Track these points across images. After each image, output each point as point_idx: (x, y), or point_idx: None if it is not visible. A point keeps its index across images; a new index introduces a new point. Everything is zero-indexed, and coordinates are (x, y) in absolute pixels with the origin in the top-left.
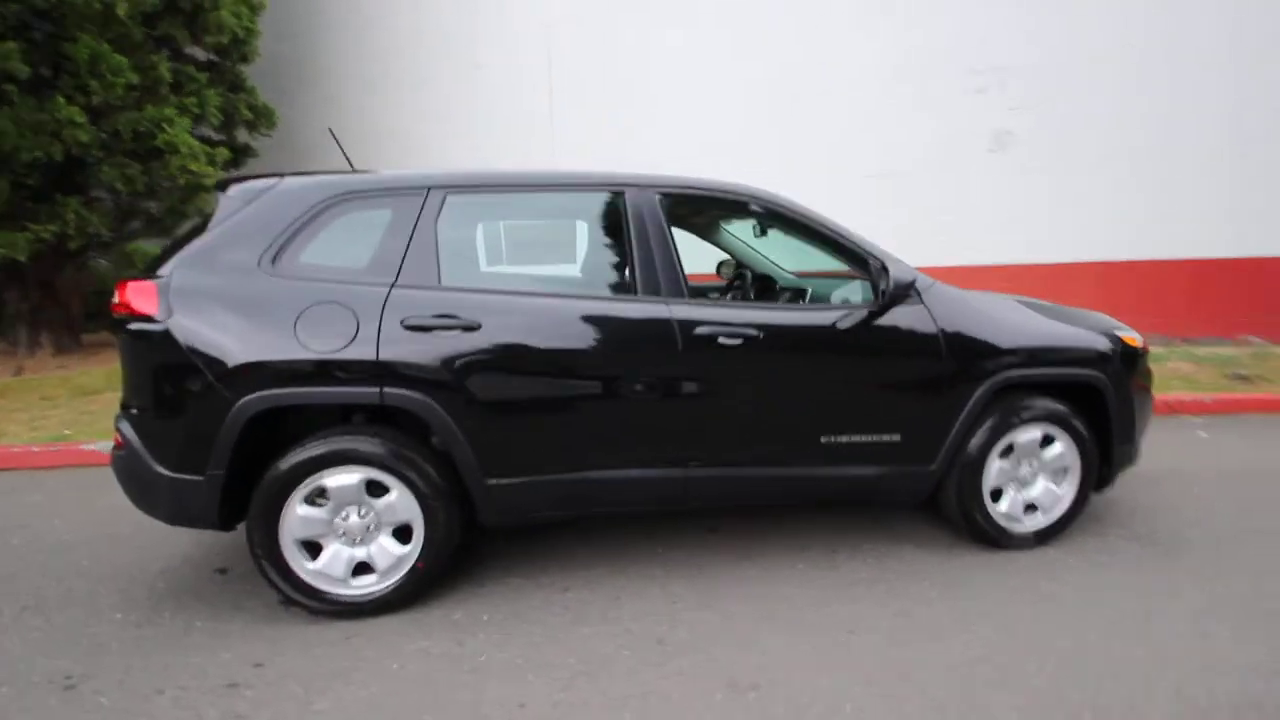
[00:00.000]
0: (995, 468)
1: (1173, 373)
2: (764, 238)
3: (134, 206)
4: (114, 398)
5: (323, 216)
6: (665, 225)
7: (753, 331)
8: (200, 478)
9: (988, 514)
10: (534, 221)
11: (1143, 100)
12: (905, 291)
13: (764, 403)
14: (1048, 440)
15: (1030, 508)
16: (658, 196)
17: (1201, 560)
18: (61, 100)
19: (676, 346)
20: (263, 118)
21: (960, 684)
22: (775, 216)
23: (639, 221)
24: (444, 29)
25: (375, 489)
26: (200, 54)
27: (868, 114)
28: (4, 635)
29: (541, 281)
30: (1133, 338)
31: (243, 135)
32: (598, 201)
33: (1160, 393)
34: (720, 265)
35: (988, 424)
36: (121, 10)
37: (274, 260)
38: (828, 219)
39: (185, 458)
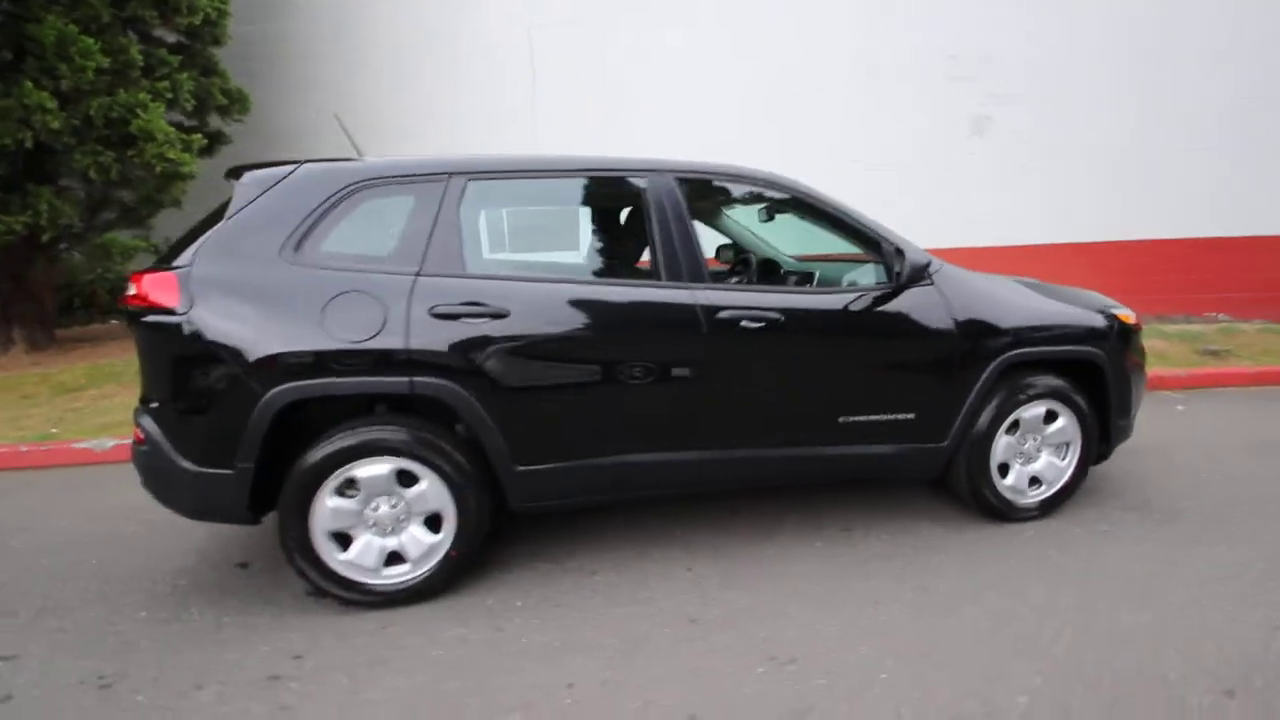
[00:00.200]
0: (1002, 443)
1: (1146, 350)
2: (769, 222)
3: (106, 196)
4: (97, 395)
5: (344, 204)
6: (685, 210)
7: (775, 315)
8: (229, 471)
9: (995, 488)
10: (555, 207)
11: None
12: (921, 274)
13: (785, 384)
14: (1050, 416)
15: (1034, 481)
16: (677, 181)
17: (1196, 529)
18: (29, 85)
19: (701, 330)
20: (236, 103)
21: (984, 653)
22: (794, 200)
23: (659, 206)
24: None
25: (405, 479)
26: (169, 36)
27: (863, 109)
28: (25, 638)
29: (565, 268)
30: (1127, 315)
31: (215, 121)
32: (618, 187)
33: None
34: (719, 250)
35: (995, 401)
36: None
37: (296, 249)
38: (843, 203)
39: (211, 451)
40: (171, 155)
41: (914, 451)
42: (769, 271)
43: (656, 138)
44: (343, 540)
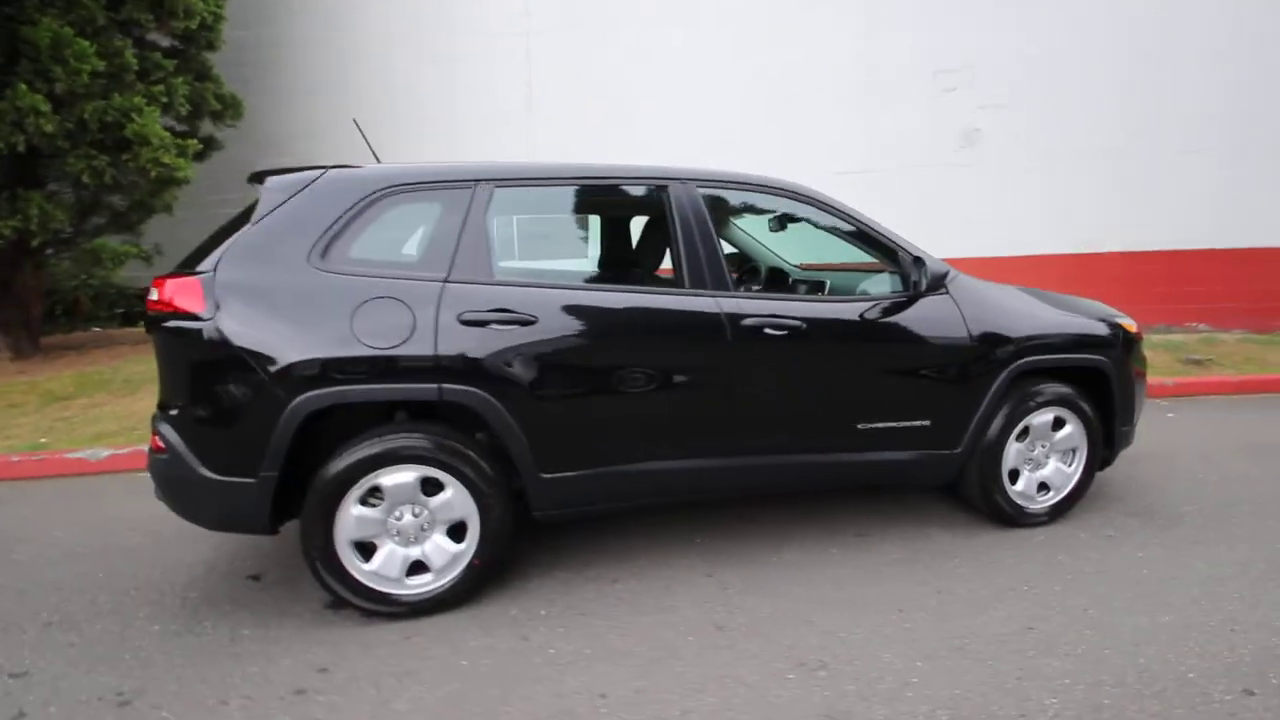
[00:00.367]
0: (1013, 450)
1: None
2: (779, 231)
3: (97, 200)
4: (87, 403)
5: (371, 210)
6: (708, 218)
7: (797, 322)
8: (251, 480)
9: (1007, 494)
10: (579, 215)
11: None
12: (939, 283)
13: (806, 391)
14: (1058, 423)
15: (1042, 487)
16: (700, 190)
17: (1199, 531)
18: (24, 88)
19: (725, 338)
20: (229, 108)
21: (1012, 653)
22: (815, 210)
23: (683, 215)
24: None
25: (429, 487)
26: (164, 40)
27: (862, 114)
28: (34, 652)
29: (590, 275)
30: (1130, 324)
31: (207, 126)
32: (642, 195)
33: None
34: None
35: (1006, 408)
36: None
37: (323, 255)
38: (861, 213)
39: (235, 459)
40: (167, 160)
41: (928, 458)
42: (777, 280)
43: (656, 139)
44: (365, 550)
